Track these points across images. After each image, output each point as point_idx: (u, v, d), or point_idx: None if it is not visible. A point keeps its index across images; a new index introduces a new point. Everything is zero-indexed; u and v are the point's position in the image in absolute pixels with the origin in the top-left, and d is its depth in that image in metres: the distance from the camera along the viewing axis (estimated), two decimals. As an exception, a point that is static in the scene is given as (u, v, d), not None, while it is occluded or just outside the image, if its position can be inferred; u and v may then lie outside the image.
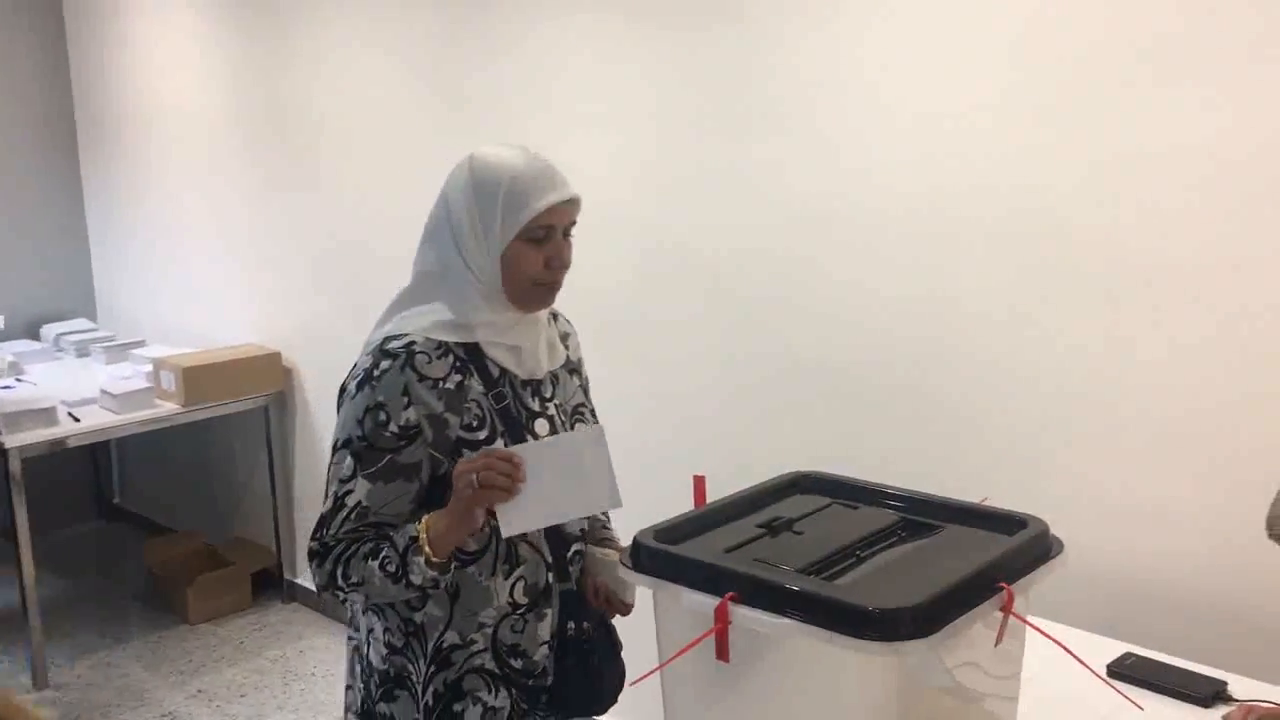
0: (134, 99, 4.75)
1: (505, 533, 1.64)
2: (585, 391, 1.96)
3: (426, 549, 1.64)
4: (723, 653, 1.51)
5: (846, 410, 2.60)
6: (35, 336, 4.93)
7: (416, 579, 1.66)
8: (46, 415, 3.82)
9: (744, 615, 1.48)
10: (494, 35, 3.25)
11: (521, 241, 1.69)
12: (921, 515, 1.75)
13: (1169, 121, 2.02)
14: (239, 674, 3.90)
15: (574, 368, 1.93)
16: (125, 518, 5.34)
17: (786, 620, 1.44)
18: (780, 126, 2.62)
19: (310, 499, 4.26)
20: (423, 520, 1.66)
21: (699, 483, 1.87)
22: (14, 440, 3.71)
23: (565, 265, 1.75)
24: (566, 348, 1.91)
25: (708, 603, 1.51)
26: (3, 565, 4.83)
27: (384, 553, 1.67)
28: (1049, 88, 2.16)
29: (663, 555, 1.61)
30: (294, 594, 4.41)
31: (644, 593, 1.76)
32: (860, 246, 2.51)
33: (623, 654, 1.93)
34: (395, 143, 3.63)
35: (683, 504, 1.85)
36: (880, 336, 2.51)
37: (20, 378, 4.32)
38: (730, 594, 1.50)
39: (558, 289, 1.77)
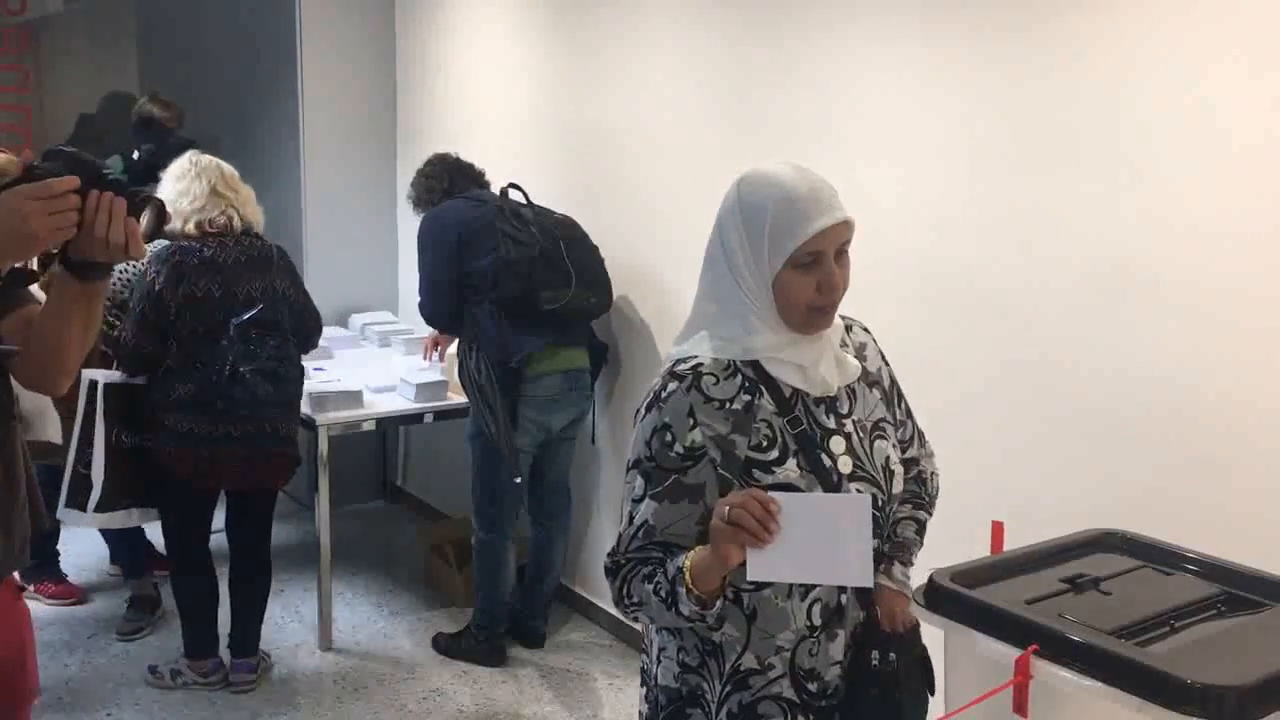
0: (448, 112, 5.06)
1: (749, 575, 1.61)
2: (890, 403, 1.87)
3: (689, 581, 1.64)
4: (1021, 707, 1.47)
5: (1147, 468, 2.46)
6: (344, 324, 5.34)
7: (684, 609, 1.66)
8: (353, 398, 4.13)
9: (1047, 670, 1.44)
10: (789, 60, 3.29)
11: (791, 269, 1.67)
12: (1244, 590, 1.65)
13: None
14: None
15: (874, 380, 1.85)
16: (404, 500, 5.68)
17: (1095, 682, 1.39)
18: (1087, 160, 2.53)
19: (592, 510, 4.39)
20: (692, 552, 1.67)
21: (997, 529, 1.83)
22: (324, 419, 4.03)
23: (838, 288, 1.70)
24: (863, 359, 1.85)
25: (1008, 653, 1.48)
26: (294, 534, 5.26)
27: (657, 578, 1.69)
28: None
29: (961, 599, 1.59)
30: (561, 595, 4.55)
31: (933, 634, 1.74)
32: (1171, 297, 2.39)
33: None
34: (686, 163, 3.72)
35: (969, 547, 1.82)
36: (1188, 394, 2.37)
37: (318, 367, 4.63)
38: (1033, 646, 1.46)
39: (833, 310, 1.73)
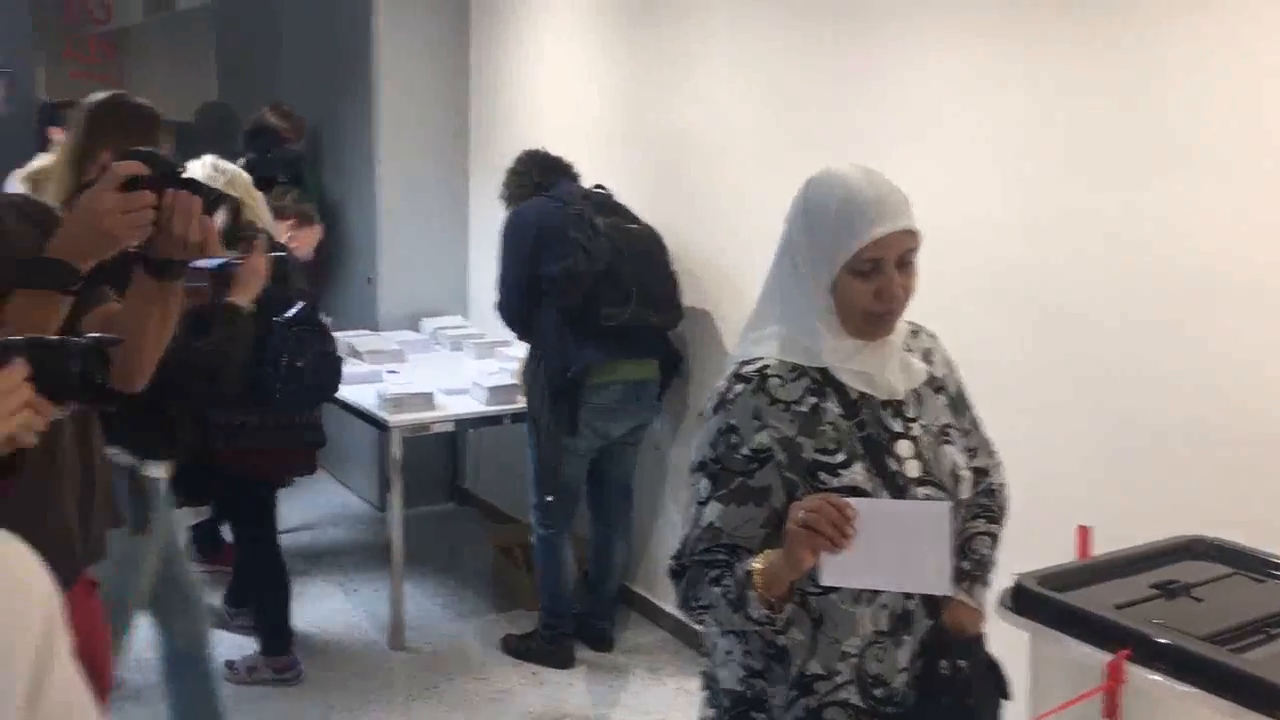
0: (519, 120, 5.11)
1: (823, 580, 1.59)
2: (956, 408, 1.84)
3: (759, 584, 1.63)
4: (1112, 712, 1.46)
5: (1231, 474, 2.42)
6: (415, 328, 5.41)
7: (753, 613, 1.65)
8: (425, 400, 4.18)
9: (1140, 676, 1.42)
10: (859, 66, 3.29)
11: (849, 273, 1.65)
12: (1341, 598, 1.62)
13: None
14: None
15: (939, 385, 1.83)
16: (472, 502, 5.73)
17: (1189, 688, 1.37)
18: (1170, 164, 2.49)
19: (657, 513, 4.40)
20: (761, 555, 1.65)
21: (1084, 534, 1.81)
22: (397, 420, 4.08)
23: (899, 297, 1.68)
24: (929, 364, 1.82)
25: (1098, 657, 1.47)
26: (365, 535, 5.33)
27: (725, 580, 1.68)
28: None
29: (1050, 602, 1.57)
30: (626, 598, 4.56)
31: (1010, 637, 1.72)
32: (1256, 301, 2.35)
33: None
34: (756, 169, 3.73)
35: (1047, 553, 1.79)
36: (1273, 399, 2.32)
37: (391, 370, 4.70)
38: (1124, 651, 1.44)
39: (893, 318, 1.71)
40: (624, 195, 4.10)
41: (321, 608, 4.49)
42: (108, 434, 2.54)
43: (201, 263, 2.71)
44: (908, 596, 1.72)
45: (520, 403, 4.29)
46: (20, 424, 1.33)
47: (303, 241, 4.31)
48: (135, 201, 1.70)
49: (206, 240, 1.77)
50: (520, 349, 4.38)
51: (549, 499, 3.94)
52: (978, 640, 1.75)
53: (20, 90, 6.18)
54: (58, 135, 4.61)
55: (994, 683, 1.78)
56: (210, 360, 2.71)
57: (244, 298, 2.91)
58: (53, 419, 1.43)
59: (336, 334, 4.58)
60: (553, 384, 3.82)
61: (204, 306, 2.73)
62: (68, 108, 4.85)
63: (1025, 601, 1.60)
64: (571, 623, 4.10)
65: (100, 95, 2.70)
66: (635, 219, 3.96)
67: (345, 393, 4.31)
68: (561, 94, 4.83)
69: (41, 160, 4.17)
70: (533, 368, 3.92)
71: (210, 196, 1.78)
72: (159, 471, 2.76)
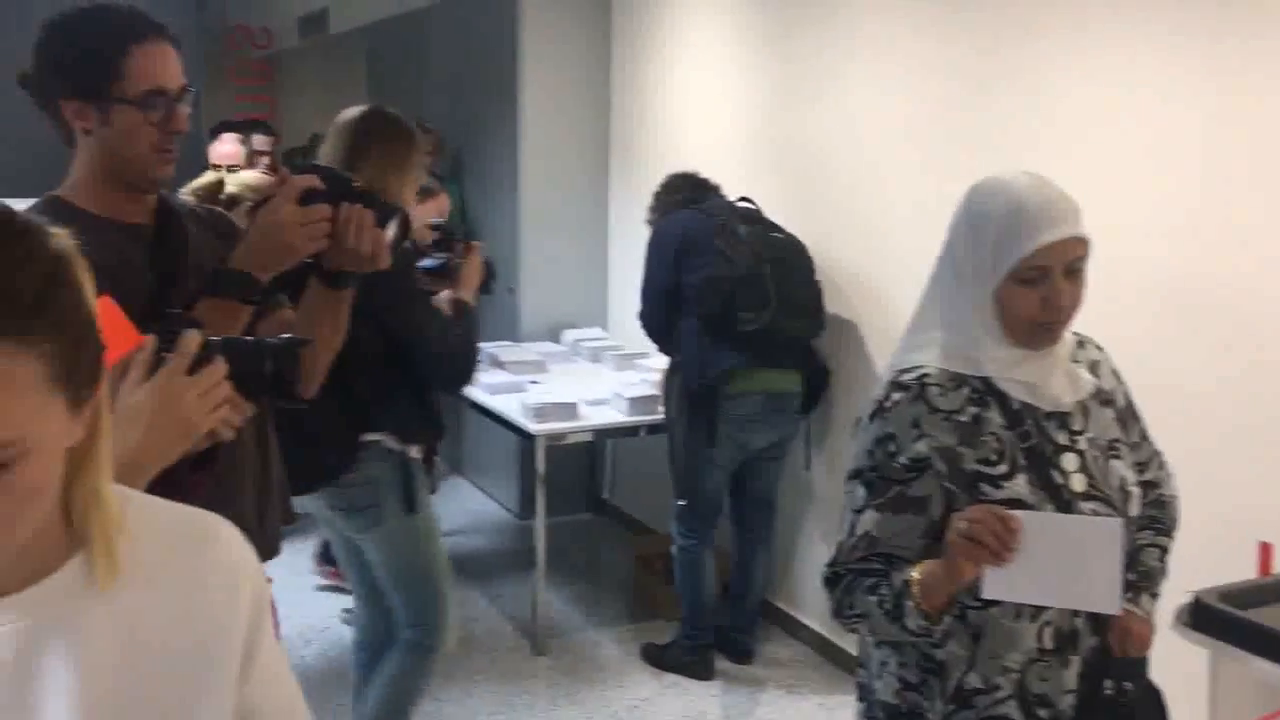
0: (660, 131, 5.15)
1: (985, 593, 1.56)
2: (1125, 422, 1.79)
3: (916, 595, 1.61)
4: (1303, 734, 1.40)
5: None
6: (555, 340, 5.49)
7: (910, 624, 1.63)
8: (569, 409, 4.24)
9: (1334, 698, 1.36)
10: (1011, 69, 3.23)
11: (1014, 281, 1.62)
12: None
13: None
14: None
15: (1107, 398, 1.78)
16: (610, 513, 5.78)
17: (1390, 712, 1.31)
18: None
19: (800, 527, 4.38)
20: (919, 565, 1.63)
21: (1266, 550, 1.74)
22: (541, 429, 4.14)
23: (1066, 306, 1.65)
24: (1097, 376, 1.78)
25: (1287, 677, 1.41)
26: (506, 542, 5.42)
27: (882, 589, 1.66)
28: None
29: (1233, 620, 1.52)
30: (768, 611, 4.54)
31: (1177, 659, 1.67)
32: None
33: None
34: (905, 178, 3.69)
35: (1219, 569, 1.73)
36: None
37: (533, 381, 4.76)
38: (1316, 672, 1.38)
39: (1060, 328, 1.68)
40: (769, 209, 4.10)
41: (465, 612, 4.56)
42: (374, 422, 2.80)
43: (425, 263, 2.97)
44: (1074, 614, 1.68)
45: (660, 414, 4.33)
46: (220, 419, 1.41)
47: (429, 213, 4.38)
48: (312, 214, 1.79)
49: (378, 252, 1.85)
50: (658, 361, 4.42)
51: (681, 503, 3.97)
52: (1142, 662, 1.70)
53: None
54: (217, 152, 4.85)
55: (1155, 707, 1.74)
56: (460, 349, 2.92)
57: (467, 294, 3.06)
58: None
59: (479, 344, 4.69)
60: (690, 392, 3.84)
61: (448, 302, 3.00)
62: (234, 128, 5.12)
63: (1205, 618, 1.55)
64: (712, 634, 4.10)
65: (359, 109, 2.84)
66: (780, 229, 3.96)
67: (490, 401, 4.43)
68: (703, 108, 4.86)
69: (208, 176, 4.39)
70: (671, 377, 3.96)
71: (382, 210, 1.85)
72: (418, 454, 2.94)
